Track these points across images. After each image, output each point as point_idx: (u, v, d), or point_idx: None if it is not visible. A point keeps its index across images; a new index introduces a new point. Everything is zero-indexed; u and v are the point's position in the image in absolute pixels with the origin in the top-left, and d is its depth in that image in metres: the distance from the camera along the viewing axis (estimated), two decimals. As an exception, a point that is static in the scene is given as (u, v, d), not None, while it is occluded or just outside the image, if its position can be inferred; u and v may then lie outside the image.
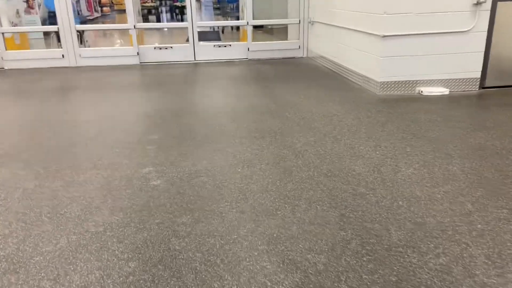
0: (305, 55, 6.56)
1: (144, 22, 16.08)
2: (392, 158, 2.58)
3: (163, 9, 18.08)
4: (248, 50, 6.37)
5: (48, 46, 7.23)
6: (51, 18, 6.79)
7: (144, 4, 15.95)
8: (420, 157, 2.59)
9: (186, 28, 6.21)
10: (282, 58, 6.46)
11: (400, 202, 2.05)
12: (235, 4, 11.62)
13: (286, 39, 7.83)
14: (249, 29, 6.32)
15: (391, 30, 3.93)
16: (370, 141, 2.87)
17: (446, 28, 4.02)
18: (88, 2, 15.00)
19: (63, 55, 5.86)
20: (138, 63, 6.14)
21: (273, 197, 2.13)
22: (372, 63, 4.20)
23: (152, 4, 15.61)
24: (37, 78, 5.24)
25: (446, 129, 3.08)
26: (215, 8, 13.32)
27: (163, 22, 16.16)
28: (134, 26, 5.97)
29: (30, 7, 9.68)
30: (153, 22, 15.97)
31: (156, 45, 6.22)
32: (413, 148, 2.73)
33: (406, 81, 4.11)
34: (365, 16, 4.27)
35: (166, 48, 6.21)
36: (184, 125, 3.30)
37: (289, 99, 4.05)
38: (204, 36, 10.70)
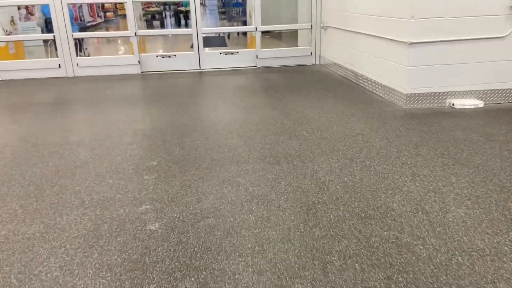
0: (317, 62, 6.15)
1: (148, 27, 15.83)
2: (436, 192, 2.16)
3: (167, 13, 17.79)
4: (257, 57, 5.98)
5: (47, 54, 6.90)
6: (48, 25, 6.46)
7: (148, 9, 15.68)
8: (470, 190, 2.17)
9: (191, 34, 5.84)
10: (293, 66, 6.06)
11: (459, 258, 1.63)
12: (241, 8, 11.26)
13: (295, 44, 7.44)
14: (258, 35, 5.93)
15: (419, 37, 3.51)
16: (405, 168, 2.45)
17: (480, 33, 3.59)
18: (90, 8, 14.73)
19: (59, 65, 5.51)
20: (140, 72, 5.77)
21: (297, 248, 1.72)
22: (397, 73, 3.79)
23: (156, 9, 15.31)
24: (30, 90, 4.88)
25: (492, 152, 2.66)
26: (220, 13, 12.97)
27: (167, 27, 15.86)
28: (135, 33, 5.60)
29: (30, 13, 9.37)
30: (157, 27, 15.68)
31: (159, 53, 5.85)
32: (458, 178, 2.31)
33: (435, 92, 3.68)
34: (388, 21, 3.86)
35: (169, 57, 5.84)
36: (188, 147, 2.91)
37: (304, 113, 3.65)
38: (208, 42, 10.36)
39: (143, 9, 16.79)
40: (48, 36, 5.44)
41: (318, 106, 3.89)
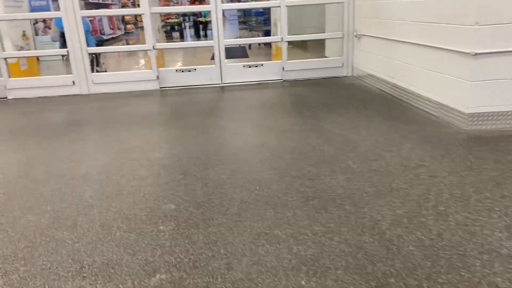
0: (349, 74, 5.62)
1: (167, 39, 15.63)
2: (551, 258, 1.60)
3: (187, 24, 17.60)
4: (283, 70, 5.49)
5: (65, 69, 6.62)
6: (63, 39, 6.17)
7: (167, 21, 15.50)
8: None
9: (212, 46, 5.41)
10: (323, 78, 5.55)
11: None
12: (262, 18, 10.85)
13: (322, 54, 6.93)
14: (284, 46, 5.45)
15: (486, 46, 2.94)
16: (494, 218, 1.89)
17: (558, 40, 3.00)
18: (110, 20, 14.62)
19: (73, 82, 5.16)
20: (158, 88, 5.37)
21: None
22: (456, 88, 3.22)
23: (176, 20, 15.11)
24: (40, 110, 4.53)
25: None
26: (240, 22, 12.62)
27: (186, 38, 15.62)
28: (153, 46, 5.22)
29: (47, 26, 9.16)
30: (176, 39, 15.45)
31: (178, 67, 5.44)
32: None
33: (505, 111, 3.09)
34: (443, 28, 3.30)
35: (189, 71, 5.42)
36: (212, 183, 2.42)
37: (345, 136, 3.12)
38: (229, 53, 9.97)
39: (162, 20, 16.64)
40: (61, 51, 5.11)
41: (360, 126, 3.35)
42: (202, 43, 5.74)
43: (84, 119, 4.09)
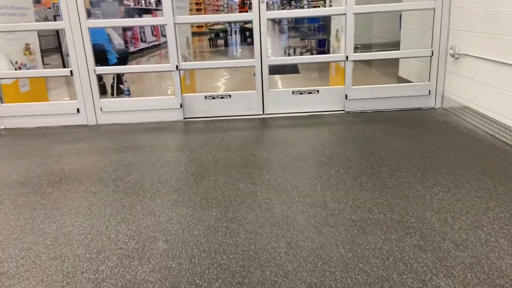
0: (438, 105, 4.12)
1: (211, 47, 14.69)
2: None
3: (233, 31, 16.60)
4: (346, 98, 4.12)
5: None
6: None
7: (212, 27, 14.57)
8: None
9: (253, 66, 4.17)
10: (400, 110, 4.10)
11: None
12: (316, 25, 9.47)
13: (393, 72, 5.43)
14: (349, 67, 4.08)
15: None
16: None
17: None
18: (154, 26, 13.79)
19: (78, 110, 4.14)
20: (182, 119, 4.21)
21: None
22: None
23: (221, 26, 14.12)
24: (25, 151, 3.49)
25: None
26: (290, 29, 11.29)
27: (232, 46, 14.60)
28: (177, 67, 4.07)
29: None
30: (220, 46, 14.47)
31: (208, 93, 4.24)
32: None
33: None
34: None
35: (221, 97, 4.21)
36: None
37: (473, 247, 1.73)
38: (276, 67, 8.73)
39: (208, 27, 15.78)
40: (63, 71, 4.10)
41: (490, 217, 1.93)
42: (240, 62, 4.50)
43: (77, 169, 2.97)
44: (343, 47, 4.13)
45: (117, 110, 4.15)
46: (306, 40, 9.49)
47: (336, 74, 4.50)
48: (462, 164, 2.71)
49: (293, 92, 4.20)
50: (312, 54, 9.68)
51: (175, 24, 3.99)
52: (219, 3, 27.44)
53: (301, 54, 9.11)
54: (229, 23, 13.79)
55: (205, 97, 4.22)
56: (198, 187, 2.57)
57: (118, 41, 9.79)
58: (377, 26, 8.27)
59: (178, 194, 2.49)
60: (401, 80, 5.30)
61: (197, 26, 20.67)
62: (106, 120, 4.17)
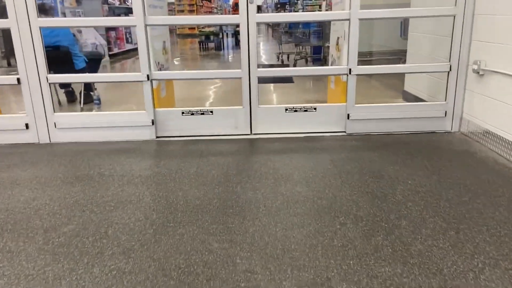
0: (455, 129, 3.52)
1: (201, 50, 14.00)
2: None
3: (226, 34, 15.94)
4: (348, 118, 3.50)
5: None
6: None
7: (202, 30, 13.89)
8: None
9: (239, 78, 3.52)
10: (411, 134, 3.50)
11: None
12: (312, 29, 8.87)
13: (397, 85, 4.82)
14: (352, 82, 3.46)
15: None
16: None
17: None
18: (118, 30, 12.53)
19: (27, 125, 3.45)
20: (154, 138, 3.55)
21: None
22: None
23: (212, 29, 13.44)
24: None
25: None
26: (283, 33, 10.69)
27: (225, 50, 13.93)
28: (148, 76, 3.41)
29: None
30: (212, 50, 13.80)
31: (185, 108, 3.59)
32: None
33: None
34: None
35: (201, 113, 3.56)
36: None
37: None
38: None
39: (198, 30, 15.10)
40: (8, 79, 3.40)
41: None
42: (224, 72, 3.75)
43: (8, 217, 2.30)
44: (345, 58, 3.51)
45: (75, 127, 3.47)
46: (300, 46, 8.88)
47: (336, 88, 3.88)
48: (505, 218, 2.09)
49: (286, 109, 3.56)
50: (306, 61, 9.09)
51: (146, 25, 3.33)
52: (212, 5, 26.80)
53: (295, 61, 8.50)
54: (214, 26, 13.10)
55: (182, 112, 3.55)
56: (156, 247, 1.91)
57: (100, 41, 8.98)
58: (375, 33, 7.70)
59: (126, 258, 1.83)
60: (407, 95, 4.70)
61: (189, 28, 20.02)
62: (61, 138, 3.48)
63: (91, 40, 9.17)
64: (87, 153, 3.25)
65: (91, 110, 4.94)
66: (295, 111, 3.55)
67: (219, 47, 13.93)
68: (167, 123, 3.55)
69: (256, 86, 3.49)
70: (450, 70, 3.39)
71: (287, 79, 6.88)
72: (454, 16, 3.28)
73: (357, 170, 2.75)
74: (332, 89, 4.09)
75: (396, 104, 3.54)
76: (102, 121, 3.48)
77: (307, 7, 15.21)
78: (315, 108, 3.54)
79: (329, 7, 9.28)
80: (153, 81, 3.50)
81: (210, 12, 25.32)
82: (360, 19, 3.30)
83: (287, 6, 27.08)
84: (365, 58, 7.46)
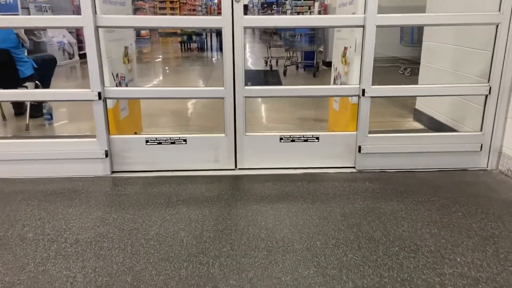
0: (491, 166, 2.82)
1: (183, 51, 13.08)
2: None
3: (209, 34, 15.08)
4: (359, 151, 2.77)
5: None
6: None
7: (183, 29, 13.00)
8: None
9: (222, 98, 2.74)
10: (437, 171, 2.79)
11: None
12: (304, 32, 8.13)
13: (407, 107, 4.10)
14: (365, 105, 2.72)
15: None
16: None
17: None
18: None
19: None
20: (109, 173, 2.74)
21: None
22: None
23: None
24: None
25: None
26: (271, 34, 9.95)
27: (210, 52, 13.06)
28: (100, 94, 2.60)
29: None
30: (195, 51, 12.92)
31: (151, 134, 2.79)
32: None
33: None
34: None
35: (172, 143, 2.77)
36: None
37: None
38: (252, 76, 7.35)
39: (180, 29, 14.18)
40: None
41: None
42: (202, 91, 2.90)
43: None
44: (355, 74, 2.77)
45: (2, 159, 2.62)
46: (290, 51, 8.14)
47: (342, 112, 3.13)
48: None
49: (281, 139, 2.79)
50: (297, 68, 8.35)
51: (97, 27, 2.52)
52: (196, 3, 25.84)
53: (285, 67, 7.75)
54: (191, 29, 12.25)
55: (147, 141, 2.75)
56: None
57: (68, 40, 8.08)
58: (381, 37, 7.04)
59: None
60: (420, 115, 4.00)
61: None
62: (-16, 173, 2.64)
63: (58, 38, 8.18)
64: (12, 197, 2.41)
65: (41, 126, 4.07)
66: (293, 141, 2.79)
67: (202, 48, 13.11)
68: (126, 154, 2.74)
69: (242, 108, 2.71)
70: (490, 93, 2.68)
71: (273, 80, 6.12)
72: (498, 25, 2.57)
73: (380, 235, 2.01)
74: (335, 110, 3.34)
75: (420, 135, 2.80)
76: (38, 152, 2.64)
77: (296, 7, 14.53)
78: (317, 138, 2.79)
79: (323, 10, 8.57)
80: (110, 100, 2.69)
81: (194, 10, 24.40)
82: (378, 26, 2.57)
83: (274, 6, 26.41)
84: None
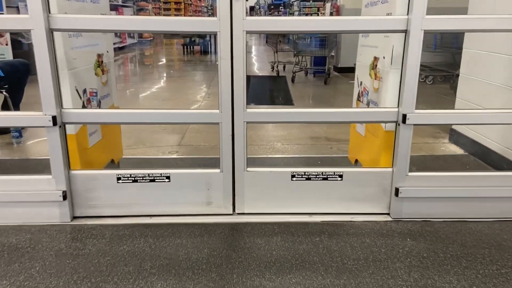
0: None
1: (185, 54, 12.49)
2: None
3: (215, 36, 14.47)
4: (397, 194, 2.12)
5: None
6: None
7: (186, 31, 12.41)
8: None
9: (217, 124, 2.12)
10: (494, 221, 2.14)
11: None
12: (313, 36, 7.48)
13: (441, 128, 3.42)
14: (406, 135, 2.08)
15: None
16: None
17: None
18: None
19: None
20: (69, 220, 2.11)
21: None
22: None
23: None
24: None
25: None
26: (280, 38, 9.32)
27: (211, 54, 12.46)
28: (55, 119, 1.98)
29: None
30: (197, 53, 12.29)
31: (124, 173, 2.17)
32: None
33: None
34: None
35: (151, 180, 2.15)
36: None
37: None
38: (254, 89, 6.76)
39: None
40: None
41: None
42: (191, 115, 2.38)
43: None
44: (390, 93, 2.12)
45: None
46: (298, 56, 7.49)
47: (371, 139, 2.48)
48: None
49: (293, 176, 2.15)
50: (306, 74, 7.70)
51: (51, 29, 1.90)
52: (202, 4, 25.29)
53: (294, 73, 7.11)
54: (178, 33, 11.67)
55: (118, 177, 2.12)
56: None
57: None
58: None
59: None
60: (458, 136, 3.34)
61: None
62: None
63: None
64: None
65: (8, 146, 3.47)
66: (308, 179, 2.14)
67: (205, 51, 12.52)
68: (92, 194, 2.12)
69: (243, 136, 2.08)
70: None
71: (285, 99, 5.49)
72: None
73: None
74: (359, 135, 2.69)
75: (477, 174, 2.14)
76: (-25, 193, 2.03)
77: (304, 9, 13.89)
78: (340, 175, 2.14)
79: (335, 11, 7.92)
80: (65, 126, 2.07)
81: (199, 12, 23.86)
82: (426, 31, 1.92)
83: (281, 7, 25.80)
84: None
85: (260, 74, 8.26)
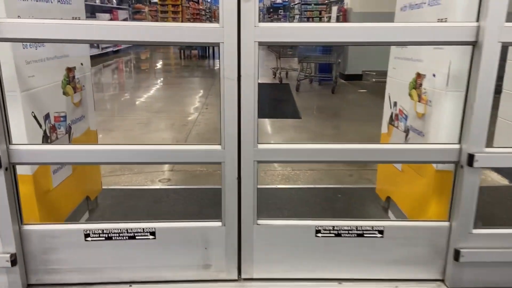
0: None
1: (184, 59, 11.97)
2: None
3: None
4: (457, 258, 1.62)
5: None
6: None
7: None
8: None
9: (219, 163, 1.62)
10: None
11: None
12: (322, 49, 6.97)
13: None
14: (471, 181, 1.58)
15: None
16: None
17: None
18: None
19: None
20: (20, 290, 1.62)
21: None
22: None
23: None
24: None
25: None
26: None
27: (209, 58, 11.94)
28: (7, 161, 1.48)
29: None
30: (195, 58, 11.77)
31: (92, 227, 1.66)
32: None
33: None
34: None
35: (131, 237, 1.64)
36: None
37: None
38: (260, 102, 6.22)
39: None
40: None
41: None
42: (179, 152, 1.55)
43: None
44: (445, 123, 1.63)
45: None
46: (303, 63, 6.99)
47: (414, 177, 1.96)
48: None
49: (317, 231, 1.64)
50: (311, 82, 7.21)
51: (-12, 40, 1.39)
52: (200, 7, 24.76)
53: (298, 81, 6.61)
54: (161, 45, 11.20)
55: (87, 234, 1.60)
56: None
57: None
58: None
59: None
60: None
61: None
62: None
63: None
64: None
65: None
66: (338, 235, 1.63)
67: (203, 56, 12.04)
68: (51, 256, 1.60)
69: (253, 180, 1.57)
70: None
71: (291, 112, 4.99)
72: None
73: None
74: (394, 168, 2.18)
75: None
76: None
77: (306, 12, 13.44)
78: (380, 231, 1.63)
79: (342, 15, 7.44)
80: (13, 168, 1.55)
81: (197, 15, 23.36)
82: (504, 44, 1.42)
83: (280, 11, 25.35)
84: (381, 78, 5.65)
85: (260, 81, 7.76)
